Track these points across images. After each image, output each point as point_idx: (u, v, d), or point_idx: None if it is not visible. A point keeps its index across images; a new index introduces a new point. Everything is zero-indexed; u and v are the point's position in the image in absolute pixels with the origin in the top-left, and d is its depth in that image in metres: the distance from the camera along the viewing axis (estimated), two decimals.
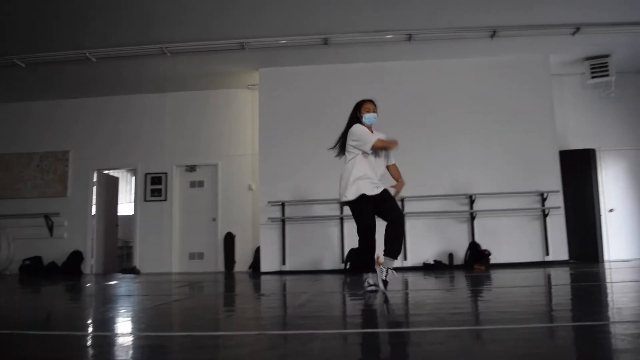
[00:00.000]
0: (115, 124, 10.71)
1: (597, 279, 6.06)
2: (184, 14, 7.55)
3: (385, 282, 4.79)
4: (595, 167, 9.54)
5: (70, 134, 10.73)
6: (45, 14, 7.32)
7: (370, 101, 5.18)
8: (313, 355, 2.30)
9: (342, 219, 8.98)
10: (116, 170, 12.02)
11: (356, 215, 4.99)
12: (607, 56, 9.34)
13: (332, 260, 8.96)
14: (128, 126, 10.67)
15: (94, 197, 10.65)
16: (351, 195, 4.96)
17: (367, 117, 5.07)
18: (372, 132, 5.06)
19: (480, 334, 2.77)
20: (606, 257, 9.43)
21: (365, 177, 4.95)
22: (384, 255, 4.89)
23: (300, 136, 9.25)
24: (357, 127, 5.04)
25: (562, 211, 8.97)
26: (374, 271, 4.99)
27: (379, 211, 5.04)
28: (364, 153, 4.98)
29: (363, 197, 4.92)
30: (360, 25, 8.08)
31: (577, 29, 8.26)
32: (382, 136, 5.09)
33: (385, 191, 5.02)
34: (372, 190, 4.93)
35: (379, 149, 5.01)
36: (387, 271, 4.81)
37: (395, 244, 4.88)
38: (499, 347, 2.41)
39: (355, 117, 5.17)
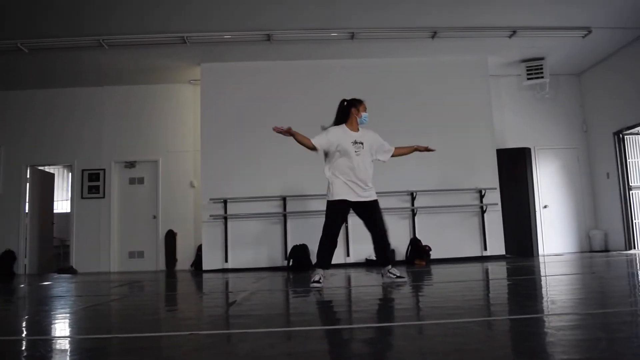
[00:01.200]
0: (50, 118, 10.26)
1: (531, 272, 6.28)
2: (123, 4, 7.31)
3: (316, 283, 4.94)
4: (530, 165, 9.85)
5: (0, 128, 10.23)
6: None
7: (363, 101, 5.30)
8: (241, 355, 2.26)
9: (284, 216, 8.95)
10: (51, 167, 11.59)
11: (326, 216, 5.09)
12: (542, 59, 9.70)
13: (275, 257, 8.92)
14: (64, 120, 10.25)
15: (27, 194, 10.18)
16: (330, 195, 5.07)
17: (365, 116, 5.27)
18: (357, 131, 5.18)
19: (411, 330, 2.80)
20: (541, 251, 9.79)
21: (348, 179, 5.01)
22: (378, 264, 5.24)
23: (243, 133, 9.14)
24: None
25: (499, 207, 9.24)
26: (326, 267, 5.11)
27: (364, 220, 5.18)
28: (343, 152, 5.03)
29: (340, 203, 5.01)
30: (304, 22, 8.07)
31: (513, 32, 8.53)
32: (369, 135, 5.24)
33: (374, 203, 5.11)
34: (355, 196, 5.02)
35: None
36: (391, 274, 5.11)
37: (383, 255, 5.15)
38: (429, 342, 2.45)
39: (345, 114, 5.21)
